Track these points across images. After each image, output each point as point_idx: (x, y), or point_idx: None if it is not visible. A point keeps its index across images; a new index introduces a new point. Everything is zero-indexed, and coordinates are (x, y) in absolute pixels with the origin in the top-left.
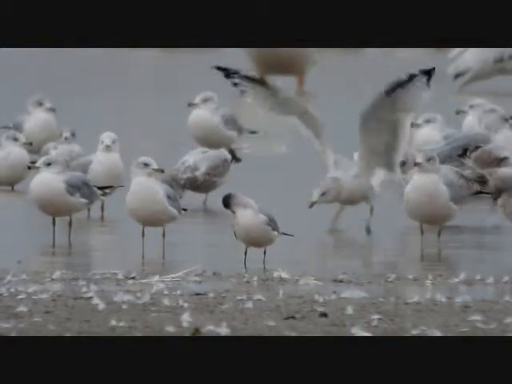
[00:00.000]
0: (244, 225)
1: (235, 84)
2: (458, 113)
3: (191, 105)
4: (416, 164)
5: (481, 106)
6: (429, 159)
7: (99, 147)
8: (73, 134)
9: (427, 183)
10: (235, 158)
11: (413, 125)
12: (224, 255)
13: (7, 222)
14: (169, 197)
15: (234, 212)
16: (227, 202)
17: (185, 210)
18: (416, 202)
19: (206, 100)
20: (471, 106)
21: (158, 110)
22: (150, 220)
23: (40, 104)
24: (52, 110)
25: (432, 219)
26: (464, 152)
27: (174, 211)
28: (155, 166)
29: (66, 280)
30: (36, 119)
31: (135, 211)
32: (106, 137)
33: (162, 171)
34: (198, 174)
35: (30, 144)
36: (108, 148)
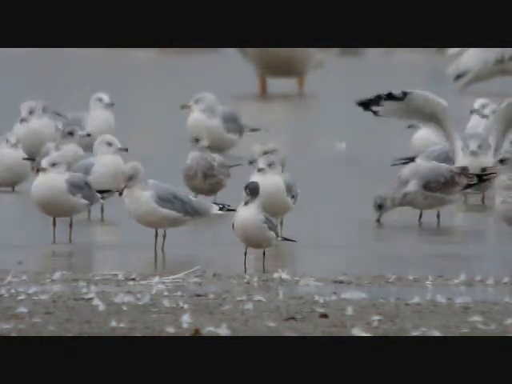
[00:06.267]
0: (241, 220)
1: (375, 113)
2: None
3: (184, 107)
4: None
5: (486, 107)
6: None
7: (105, 149)
8: (70, 133)
9: None
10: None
11: (415, 126)
12: (224, 256)
13: (7, 222)
14: (160, 198)
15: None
16: (256, 190)
17: (223, 205)
18: None
19: (201, 101)
20: (483, 106)
21: (159, 110)
22: (143, 222)
23: (100, 100)
24: (111, 104)
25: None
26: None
27: (167, 213)
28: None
29: (66, 281)
30: (97, 116)
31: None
32: (114, 140)
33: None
34: (214, 164)
35: (89, 135)
36: (121, 150)
